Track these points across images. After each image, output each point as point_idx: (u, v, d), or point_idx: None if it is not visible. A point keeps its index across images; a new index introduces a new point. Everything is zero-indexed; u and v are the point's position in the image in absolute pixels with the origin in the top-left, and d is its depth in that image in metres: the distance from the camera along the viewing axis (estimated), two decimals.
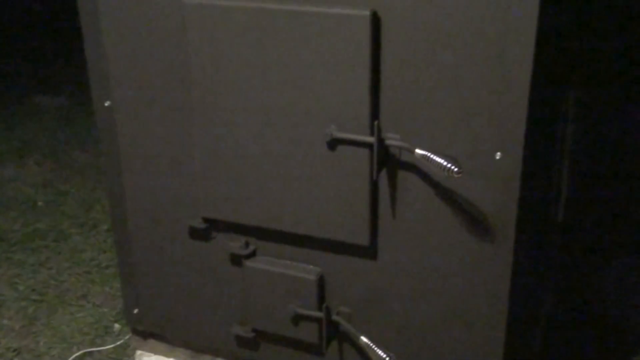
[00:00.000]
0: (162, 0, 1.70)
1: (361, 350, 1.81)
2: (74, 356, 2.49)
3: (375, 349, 1.71)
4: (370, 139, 1.58)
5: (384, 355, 1.69)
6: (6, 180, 3.93)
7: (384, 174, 1.65)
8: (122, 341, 2.52)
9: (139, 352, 2.23)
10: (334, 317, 1.83)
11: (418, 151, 1.53)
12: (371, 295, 1.80)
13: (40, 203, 3.67)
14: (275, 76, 1.64)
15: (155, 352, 2.19)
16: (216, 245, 1.92)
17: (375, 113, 1.59)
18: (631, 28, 2.29)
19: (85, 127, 4.50)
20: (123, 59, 1.81)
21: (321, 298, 1.83)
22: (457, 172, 1.47)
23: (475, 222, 1.61)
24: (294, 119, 1.66)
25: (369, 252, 1.74)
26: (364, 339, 1.75)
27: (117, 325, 2.64)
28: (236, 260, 1.90)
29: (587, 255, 2.66)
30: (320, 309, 1.81)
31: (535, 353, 2.18)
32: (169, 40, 1.74)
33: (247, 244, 1.87)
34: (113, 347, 2.51)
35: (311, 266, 1.82)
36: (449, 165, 1.47)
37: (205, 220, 1.88)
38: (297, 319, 1.85)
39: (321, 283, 1.82)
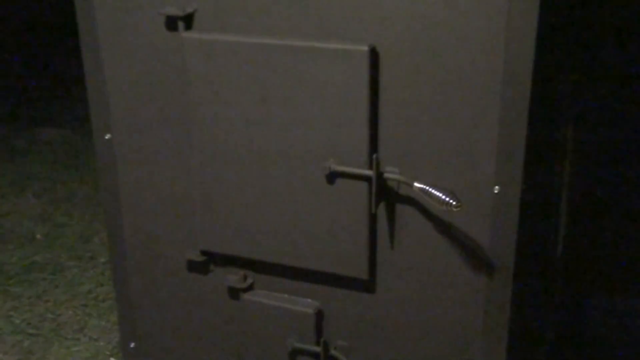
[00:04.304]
0: (162, 34, 1.72)
1: None
2: None
3: None
4: (369, 173, 1.59)
5: None
6: (5, 212, 3.93)
7: (382, 208, 1.65)
8: None
9: None
10: (332, 352, 1.81)
11: (416, 185, 1.54)
12: (369, 329, 1.78)
13: (38, 236, 3.67)
14: (274, 110, 1.65)
15: None
16: (214, 278, 1.91)
17: (373, 147, 1.60)
18: (633, 61, 2.31)
19: (84, 159, 4.51)
20: (124, 93, 1.83)
21: (319, 332, 1.81)
22: (456, 206, 1.47)
23: (474, 256, 1.61)
24: (292, 152, 1.66)
25: (368, 285, 1.74)
26: None
27: None
28: (234, 293, 1.89)
29: (587, 292, 2.65)
30: (318, 343, 1.80)
31: None
32: (169, 74, 1.75)
33: (245, 277, 1.87)
34: None
35: (309, 300, 1.81)
36: (447, 199, 1.48)
37: (204, 253, 1.88)
38: (295, 353, 1.83)
39: (319, 317, 1.81)
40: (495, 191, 1.54)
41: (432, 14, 1.48)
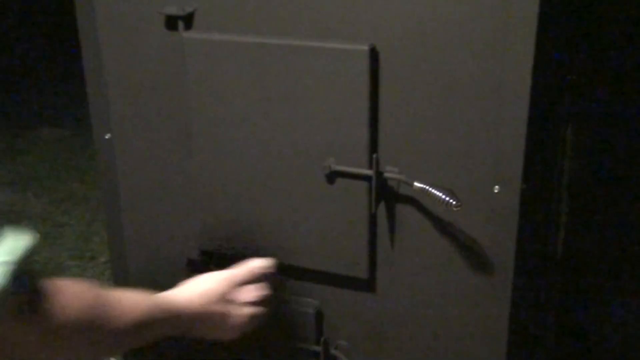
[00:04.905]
0: (162, 34, 1.72)
1: None
2: None
3: None
4: (369, 172, 1.59)
5: None
6: (5, 212, 3.93)
7: (382, 207, 1.65)
8: None
9: None
10: (332, 351, 1.81)
11: (416, 184, 1.54)
12: (370, 329, 1.78)
13: (38, 235, 3.66)
14: (275, 110, 1.65)
15: None
16: None
17: (373, 146, 1.60)
18: (633, 61, 2.30)
19: (85, 159, 4.51)
20: (124, 93, 1.83)
21: (319, 332, 1.81)
22: (456, 206, 1.47)
23: (474, 255, 1.61)
24: (292, 152, 1.66)
25: (368, 285, 1.74)
26: None
27: None
28: None
29: (587, 293, 2.64)
30: (318, 343, 1.80)
31: None
32: (169, 74, 1.75)
33: None
34: None
35: (309, 299, 1.81)
36: (447, 198, 1.48)
37: (204, 253, 1.88)
38: (295, 353, 1.83)
39: (319, 316, 1.81)
40: (495, 191, 1.54)
41: (432, 13, 1.48)
